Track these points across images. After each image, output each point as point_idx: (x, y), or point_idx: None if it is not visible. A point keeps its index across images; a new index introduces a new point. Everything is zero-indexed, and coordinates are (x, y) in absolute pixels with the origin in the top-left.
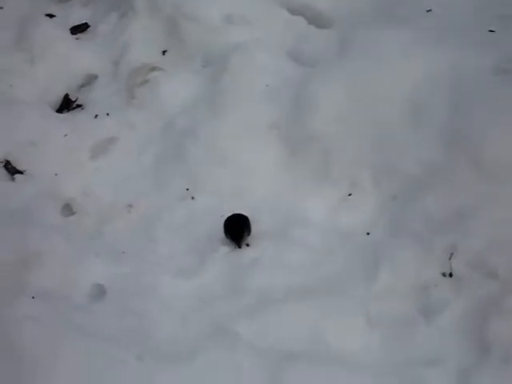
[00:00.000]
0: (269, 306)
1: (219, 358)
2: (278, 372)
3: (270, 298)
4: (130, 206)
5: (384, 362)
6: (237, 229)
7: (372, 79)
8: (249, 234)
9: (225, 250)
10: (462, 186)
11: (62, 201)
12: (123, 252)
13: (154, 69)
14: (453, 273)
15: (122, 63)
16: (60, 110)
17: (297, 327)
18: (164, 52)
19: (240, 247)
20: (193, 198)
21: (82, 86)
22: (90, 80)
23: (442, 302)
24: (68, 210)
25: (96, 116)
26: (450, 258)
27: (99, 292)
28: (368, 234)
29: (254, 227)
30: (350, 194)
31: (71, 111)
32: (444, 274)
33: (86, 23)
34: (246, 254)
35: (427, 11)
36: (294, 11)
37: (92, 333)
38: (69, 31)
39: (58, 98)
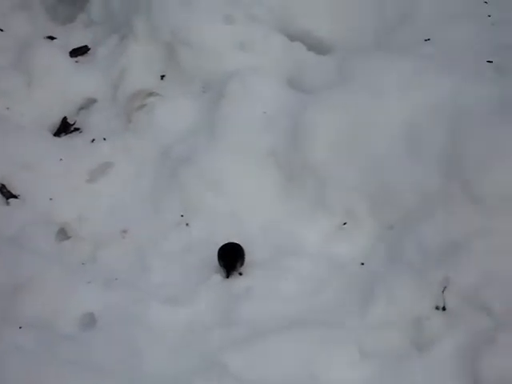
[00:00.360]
0: (260, 338)
1: None
2: None
3: (261, 329)
4: (125, 231)
5: None
6: (230, 258)
7: (370, 107)
8: (242, 263)
9: (218, 278)
10: (458, 218)
11: (56, 226)
12: (116, 279)
13: (151, 94)
14: (446, 306)
15: (120, 87)
16: (58, 134)
17: (287, 360)
18: (162, 77)
19: (228, 277)
20: (187, 224)
21: (81, 109)
22: (88, 103)
23: (435, 336)
24: (63, 234)
25: (93, 140)
26: (443, 291)
27: (89, 321)
28: (362, 264)
29: (248, 255)
30: (345, 223)
31: (69, 135)
32: (437, 308)
33: (86, 46)
34: (239, 283)
35: (425, 40)
36: (292, 37)
37: (79, 365)
38: (68, 54)
39: (55, 121)
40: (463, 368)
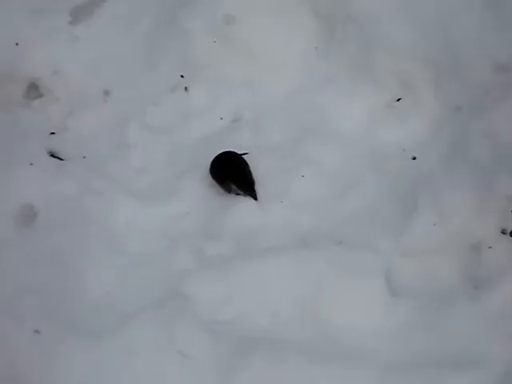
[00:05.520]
0: (249, 260)
1: (155, 341)
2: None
3: (254, 247)
4: (107, 92)
5: (402, 357)
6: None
7: None
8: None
9: None
10: None
11: (24, 81)
12: (84, 157)
13: None
14: None
15: None
16: None
17: (284, 295)
18: None
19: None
20: (186, 89)
21: None
22: None
23: (495, 272)
24: (33, 92)
25: None
26: None
27: (27, 216)
28: (414, 158)
29: (257, 138)
30: (398, 99)
31: None
32: (504, 231)
33: None
34: None
35: None
36: None
37: None
38: None
39: None
40: None
